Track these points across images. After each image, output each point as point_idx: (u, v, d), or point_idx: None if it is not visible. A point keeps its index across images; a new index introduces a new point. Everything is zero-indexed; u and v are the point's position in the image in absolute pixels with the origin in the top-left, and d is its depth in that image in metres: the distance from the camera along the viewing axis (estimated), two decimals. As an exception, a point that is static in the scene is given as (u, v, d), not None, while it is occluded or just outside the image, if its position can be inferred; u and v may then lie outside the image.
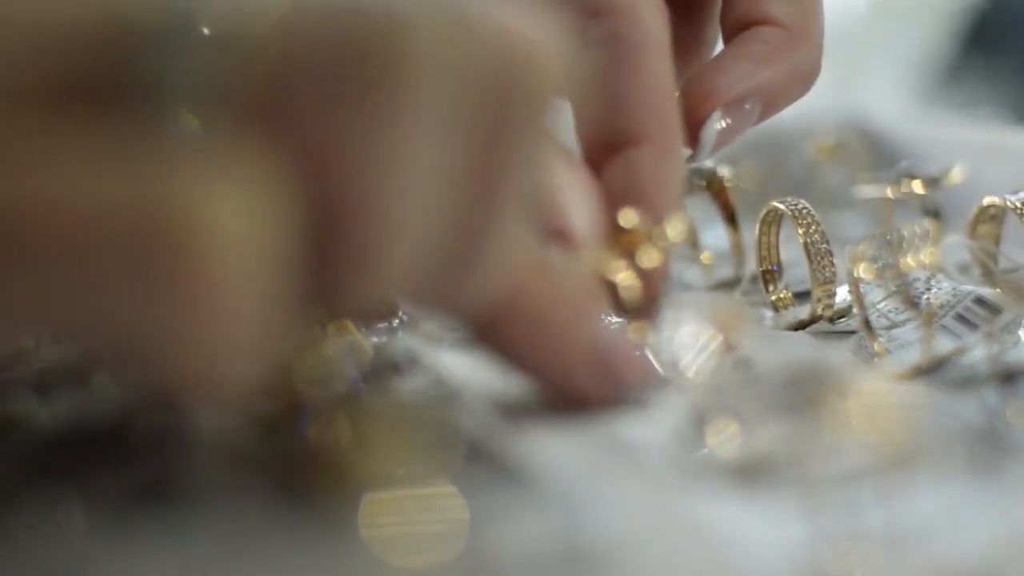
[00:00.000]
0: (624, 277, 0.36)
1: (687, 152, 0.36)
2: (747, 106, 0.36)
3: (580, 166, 0.33)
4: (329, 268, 0.20)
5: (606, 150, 0.33)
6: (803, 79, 0.38)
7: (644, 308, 0.33)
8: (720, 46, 0.39)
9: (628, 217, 0.34)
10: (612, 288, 0.34)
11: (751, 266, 0.43)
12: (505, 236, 0.24)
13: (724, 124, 0.36)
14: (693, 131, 0.36)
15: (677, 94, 0.35)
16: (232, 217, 0.18)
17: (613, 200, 0.33)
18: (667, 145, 0.33)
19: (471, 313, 0.27)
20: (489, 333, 0.28)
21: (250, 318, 0.19)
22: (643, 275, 0.34)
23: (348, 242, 0.20)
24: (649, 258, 0.34)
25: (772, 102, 0.37)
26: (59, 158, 0.18)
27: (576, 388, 0.29)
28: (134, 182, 0.18)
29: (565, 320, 0.28)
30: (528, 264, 0.27)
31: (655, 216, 0.33)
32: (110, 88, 0.18)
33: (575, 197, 0.31)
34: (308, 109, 0.19)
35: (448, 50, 0.21)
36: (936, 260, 0.36)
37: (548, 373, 0.29)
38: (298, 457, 0.28)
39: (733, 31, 0.38)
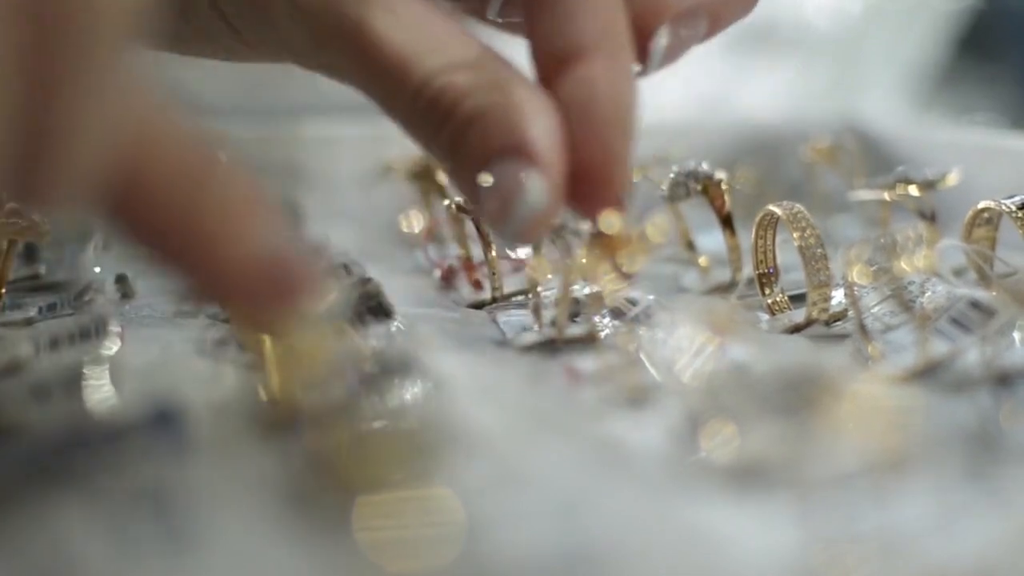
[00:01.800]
0: (608, 280, 0.36)
1: (637, 68, 0.35)
2: (696, 20, 0.36)
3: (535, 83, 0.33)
4: None
5: (559, 66, 0.33)
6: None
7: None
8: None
9: (609, 220, 0.34)
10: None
11: (747, 269, 0.43)
12: (96, 104, 0.22)
13: (672, 38, 0.36)
14: (642, 45, 0.35)
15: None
16: None
17: (569, 115, 0.32)
18: (618, 57, 0.33)
19: (98, 200, 0.24)
20: (129, 223, 0.25)
21: None
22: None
23: None
24: (631, 261, 0.35)
25: (717, 19, 0.37)
26: None
27: (229, 282, 0.27)
28: None
29: (219, 211, 0.26)
30: (151, 138, 0.24)
31: (611, 128, 0.33)
32: None
33: (534, 113, 0.31)
34: None
35: None
36: (931, 264, 0.36)
37: (198, 265, 0.26)
38: (296, 461, 0.28)
39: None
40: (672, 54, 0.36)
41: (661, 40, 0.35)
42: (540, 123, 0.31)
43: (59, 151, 0.22)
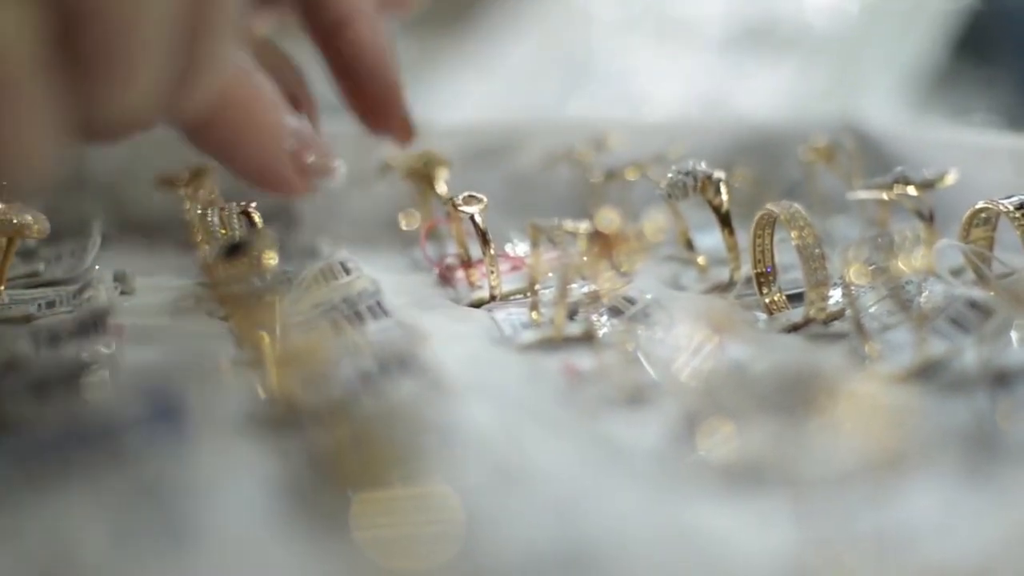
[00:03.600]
0: (606, 279, 0.36)
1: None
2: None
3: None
4: (86, 81, 0.24)
5: (330, 34, 0.47)
6: None
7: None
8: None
9: (607, 219, 0.35)
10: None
11: (745, 269, 0.43)
12: (221, 51, 0.28)
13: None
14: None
15: None
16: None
17: (350, 67, 0.47)
18: (371, 19, 0.47)
19: (190, 119, 0.34)
20: (204, 135, 0.36)
21: (25, 109, 0.23)
22: None
23: (98, 54, 0.24)
24: (630, 260, 0.35)
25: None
26: None
27: (275, 175, 0.38)
28: None
29: (264, 118, 0.37)
30: (233, 75, 0.35)
31: (382, 68, 0.47)
32: None
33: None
34: None
35: None
36: (929, 263, 0.36)
37: (252, 163, 0.38)
38: (295, 459, 0.29)
39: None
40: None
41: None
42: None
43: (196, 80, 0.28)
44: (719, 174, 0.44)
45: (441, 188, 0.49)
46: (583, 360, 0.36)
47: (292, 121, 0.38)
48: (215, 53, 0.28)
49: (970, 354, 0.34)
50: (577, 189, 0.58)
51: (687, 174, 0.44)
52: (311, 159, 0.38)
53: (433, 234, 0.51)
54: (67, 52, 0.24)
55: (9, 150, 0.24)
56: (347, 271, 0.42)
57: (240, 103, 0.35)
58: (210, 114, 0.34)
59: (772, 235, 0.42)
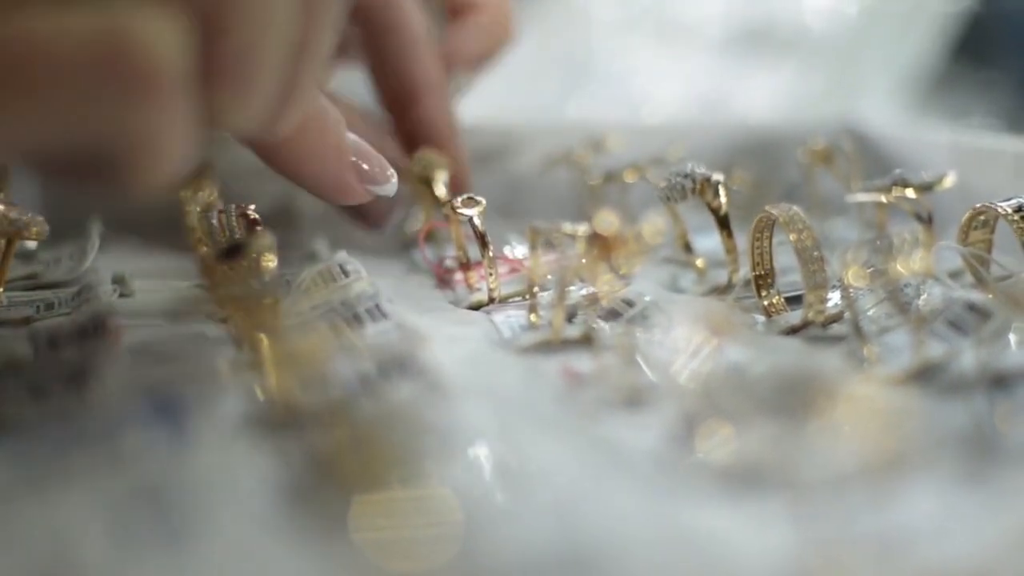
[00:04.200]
0: (605, 281, 0.36)
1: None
2: (477, 63, 0.55)
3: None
4: (217, 90, 0.28)
5: (400, 105, 0.51)
6: (501, 44, 0.57)
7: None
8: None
9: (605, 221, 0.35)
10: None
11: (744, 271, 0.43)
12: (316, 75, 0.32)
13: (463, 77, 0.55)
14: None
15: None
16: (158, 38, 0.26)
17: (416, 137, 0.51)
18: (440, 95, 0.51)
19: (270, 139, 0.38)
20: (278, 154, 0.40)
21: (177, 113, 0.27)
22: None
23: (228, 66, 0.28)
24: (628, 262, 0.35)
25: (483, 63, 0.56)
26: (37, 8, 0.25)
27: (338, 187, 0.41)
28: (92, 19, 0.25)
29: (329, 139, 0.40)
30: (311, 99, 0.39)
31: (447, 143, 0.51)
32: None
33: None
34: None
35: None
36: (928, 266, 0.36)
37: (320, 179, 0.41)
38: (294, 460, 0.29)
39: (453, 12, 0.56)
40: (459, 89, 0.55)
41: (457, 79, 0.54)
42: None
43: (294, 100, 0.31)
44: (717, 177, 0.44)
45: (440, 191, 0.49)
46: (582, 362, 0.36)
47: (352, 137, 0.42)
48: (312, 77, 0.32)
49: (968, 357, 0.34)
50: (575, 191, 0.58)
51: (685, 176, 0.44)
52: (369, 169, 0.42)
53: (432, 236, 0.51)
54: (204, 63, 0.27)
55: (159, 147, 0.27)
56: (346, 273, 0.42)
57: (310, 126, 0.39)
58: (286, 135, 0.37)
59: (771, 237, 0.42)
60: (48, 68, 0.25)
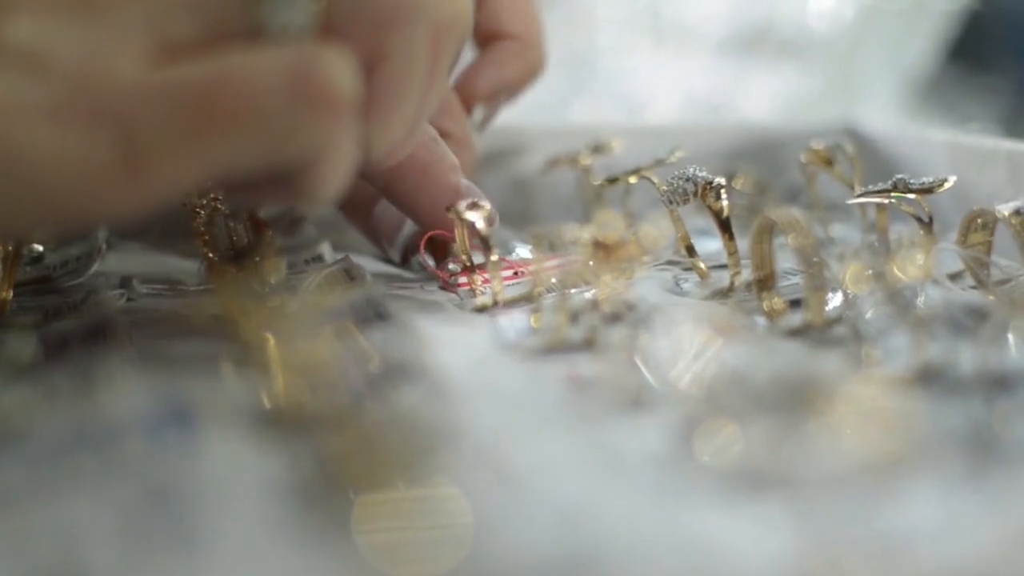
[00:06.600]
0: (607, 284, 0.37)
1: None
2: (498, 98, 0.54)
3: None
4: (370, 118, 0.33)
5: None
6: (533, 74, 0.55)
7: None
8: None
9: (608, 224, 0.35)
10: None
11: (745, 274, 0.44)
12: (431, 110, 0.37)
13: (484, 113, 0.54)
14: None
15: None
16: (338, 68, 0.30)
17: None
18: (464, 136, 0.51)
19: (388, 173, 0.43)
20: (396, 189, 0.44)
21: (351, 134, 0.31)
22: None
23: (381, 92, 0.33)
24: (630, 265, 0.35)
25: (514, 92, 0.55)
26: (237, 47, 0.30)
27: (444, 224, 0.45)
28: (284, 54, 0.30)
29: (439, 170, 0.44)
30: (422, 143, 0.43)
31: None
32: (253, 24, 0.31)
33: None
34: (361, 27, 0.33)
35: (433, 10, 0.34)
36: (928, 268, 0.36)
37: (432, 214, 0.45)
38: (302, 463, 0.29)
39: (482, 41, 0.55)
40: (486, 121, 0.54)
41: (477, 115, 0.53)
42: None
43: (416, 128, 0.36)
44: (719, 180, 0.45)
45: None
46: (585, 366, 0.36)
47: (464, 181, 0.45)
48: (431, 109, 0.36)
49: (968, 358, 0.34)
50: (578, 194, 0.59)
51: (687, 180, 0.44)
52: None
53: (432, 244, 0.51)
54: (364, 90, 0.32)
55: (335, 163, 0.31)
56: (351, 277, 0.42)
57: (424, 166, 0.43)
58: (404, 172, 0.43)
59: (772, 240, 0.42)
60: (252, 96, 0.29)
